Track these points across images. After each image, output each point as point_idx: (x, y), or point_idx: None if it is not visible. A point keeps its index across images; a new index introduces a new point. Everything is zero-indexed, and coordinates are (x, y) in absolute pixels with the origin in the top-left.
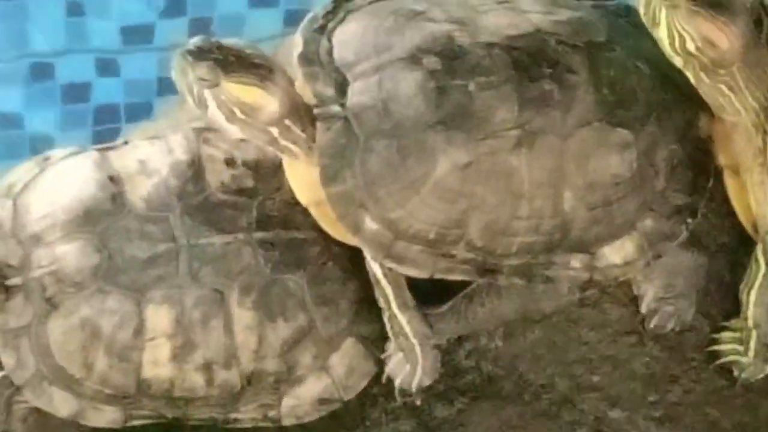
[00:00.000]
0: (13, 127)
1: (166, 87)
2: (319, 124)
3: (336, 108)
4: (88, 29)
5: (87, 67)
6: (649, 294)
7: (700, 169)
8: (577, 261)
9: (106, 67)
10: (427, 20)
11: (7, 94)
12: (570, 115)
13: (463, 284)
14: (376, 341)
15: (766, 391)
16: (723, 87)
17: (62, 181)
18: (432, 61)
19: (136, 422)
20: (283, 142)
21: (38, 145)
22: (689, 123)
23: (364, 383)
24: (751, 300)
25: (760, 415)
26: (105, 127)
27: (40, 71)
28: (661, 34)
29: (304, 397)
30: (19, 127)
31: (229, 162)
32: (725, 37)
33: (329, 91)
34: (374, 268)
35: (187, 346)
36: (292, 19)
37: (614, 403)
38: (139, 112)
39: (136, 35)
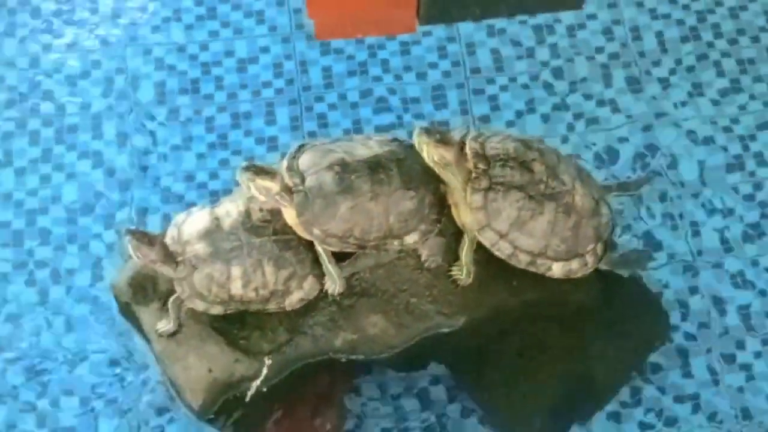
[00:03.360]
0: (180, 202)
1: (236, 182)
2: (294, 194)
3: (301, 188)
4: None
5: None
6: (424, 253)
7: (442, 205)
8: (396, 242)
9: (215, 176)
10: (334, 152)
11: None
12: (391, 186)
13: (352, 253)
14: (321, 276)
15: (474, 290)
16: (449, 174)
17: (196, 220)
18: (337, 168)
19: (229, 311)
20: (282, 202)
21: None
22: (437, 188)
23: (316, 292)
24: (462, 254)
25: (472, 296)
26: (213, 199)
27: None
28: (424, 155)
29: (294, 298)
30: (181, 201)
31: (260, 210)
32: (449, 155)
33: (298, 181)
34: (318, 247)
35: (248, 282)
36: (284, 154)
37: (413, 296)
38: (226, 192)
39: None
